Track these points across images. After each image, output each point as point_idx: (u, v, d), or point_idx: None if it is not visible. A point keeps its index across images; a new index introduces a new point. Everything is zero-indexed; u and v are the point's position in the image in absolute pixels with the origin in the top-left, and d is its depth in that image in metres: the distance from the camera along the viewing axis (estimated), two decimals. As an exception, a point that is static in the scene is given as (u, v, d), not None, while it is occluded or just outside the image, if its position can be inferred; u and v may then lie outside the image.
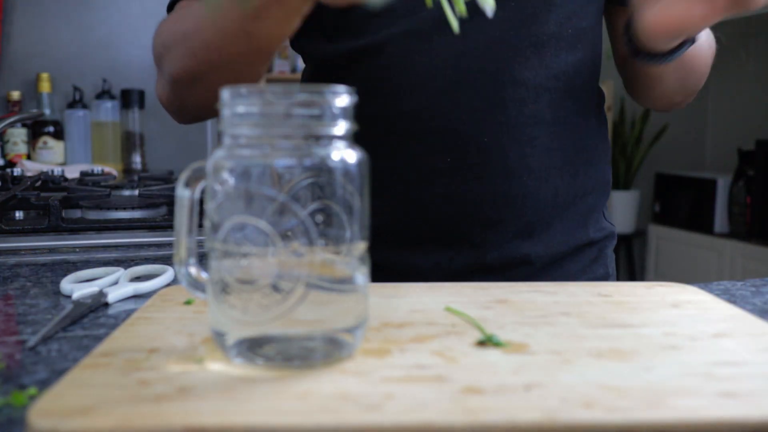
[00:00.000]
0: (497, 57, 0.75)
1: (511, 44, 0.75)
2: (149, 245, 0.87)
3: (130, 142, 1.89)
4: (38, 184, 1.23)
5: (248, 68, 0.69)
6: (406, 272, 0.76)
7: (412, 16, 0.75)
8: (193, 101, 0.77)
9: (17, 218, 1.01)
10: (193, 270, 0.46)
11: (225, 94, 0.42)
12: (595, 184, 0.84)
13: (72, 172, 1.46)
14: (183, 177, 0.45)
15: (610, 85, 2.90)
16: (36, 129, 1.81)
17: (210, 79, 0.72)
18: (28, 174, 1.37)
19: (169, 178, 1.37)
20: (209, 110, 0.78)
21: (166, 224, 0.93)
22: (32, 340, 0.49)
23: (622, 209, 3.32)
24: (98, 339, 0.50)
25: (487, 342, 0.45)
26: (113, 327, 0.53)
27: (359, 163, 0.43)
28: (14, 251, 0.83)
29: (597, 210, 0.85)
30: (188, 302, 0.55)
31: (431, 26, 0.75)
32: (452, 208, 0.77)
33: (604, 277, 0.85)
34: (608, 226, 0.88)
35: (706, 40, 0.79)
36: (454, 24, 0.54)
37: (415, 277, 0.74)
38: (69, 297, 0.61)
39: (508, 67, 0.75)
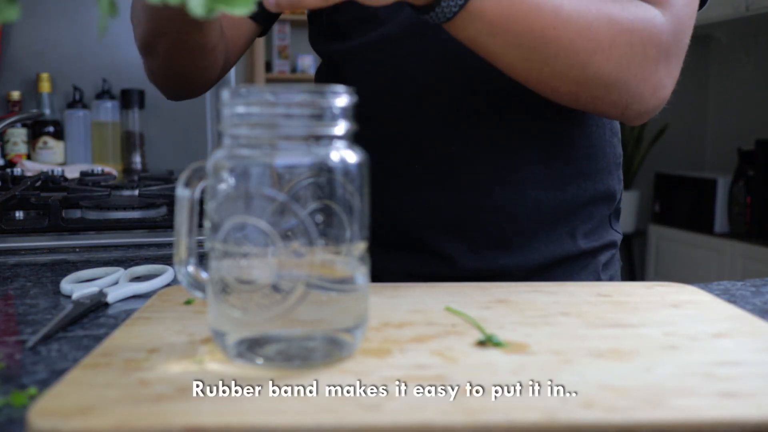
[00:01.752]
0: (470, 65, 0.69)
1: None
2: (149, 245, 0.87)
3: (130, 142, 1.89)
4: (38, 184, 1.23)
5: (185, 36, 0.72)
6: (380, 277, 0.70)
7: (390, 21, 0.74)
8: (156, 71, 0.81)
9: (17, 218, 1.01)
10: (193, 270, 0.46)
11: (225, 94, 0.42)
12: (594, 196, 0.78)
13: (72, 172, 1.46)
14: (183, 177, 0.45)
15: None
16: (36, 129, 1.81)
17: (158, 48, 0.77)
18: (28, 174, 1.37)
19: (169, 178, 1.37)
20: (176, 81, 0.81)
21: (166, 224, 0.93)
22: (32, 340, 0.49)
23: (622, 209, 3.32)
24: (98, 339, 0.50)
25: (487, 342, 0.45)
26: (113, 327, 0.53)
27: (359, 163, 0.43)
28: (14, 251, 0.83)
29: (595, 221, 0.80)
30: (188, 302, 0.55)
31: (403, 31, 0.73)
32: (419, 217, 0.75)
33: None
34: (610, 234, 0.82)
35: (574, 8, 0.61)
36: None
37: (388, 281, 0.72)
38: (69, 297, 0.61)
39: (482, 75, 0.70)
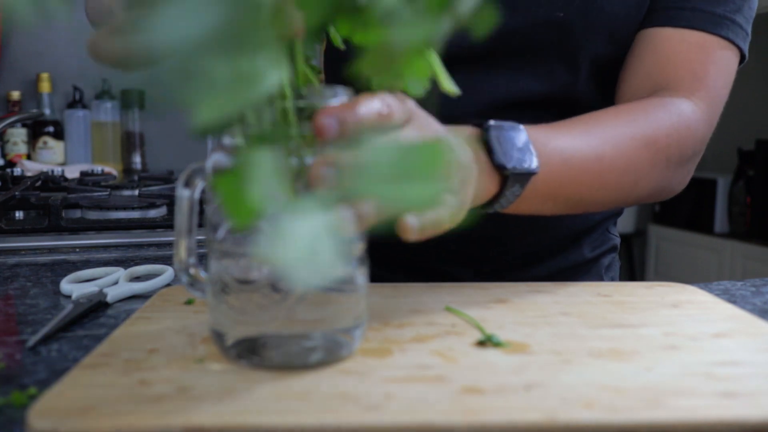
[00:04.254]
0: (494, 106, 0.70)
1: (516, 106, 0.70)
2: (149, 245, 0.87)
3: (130, 142, 1.89)
4: (38, 184, 1.23)
5: None
6: None
7: None
8: None
9: (17, 218, 1.01)
10: (192, 270, 0.46)
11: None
12: (603, 216, 0.79)
13: (72, 172, 1.46)
14: (183, 177, 0.45)
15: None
16: (36, 129, 1.81)
17: None
18: (28, 174, 1.37)
19: (169, 178, 1.37)
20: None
21: (166, 224, 0.93)
22: (32, 340, 0.49)
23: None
24: (98, 339, 0.50)
25: (487, 342, 0.45)
26: (113, 327, 0.53)
27: (359, 163, 0.42)
28: (14, 251, 0.83)
29: (599, 231, 0.81)
30: (188, 302, 0.55)
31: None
32: (426, 247, 0.73)
33: None
34: (611, 239, 0.83)
35: (614, 147, 0.60)
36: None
37: None
38: (69, 297, 0.61)
39: (500, 113, 0.67)
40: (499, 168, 0.52)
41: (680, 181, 0.67)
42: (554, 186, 0.57)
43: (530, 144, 0.54)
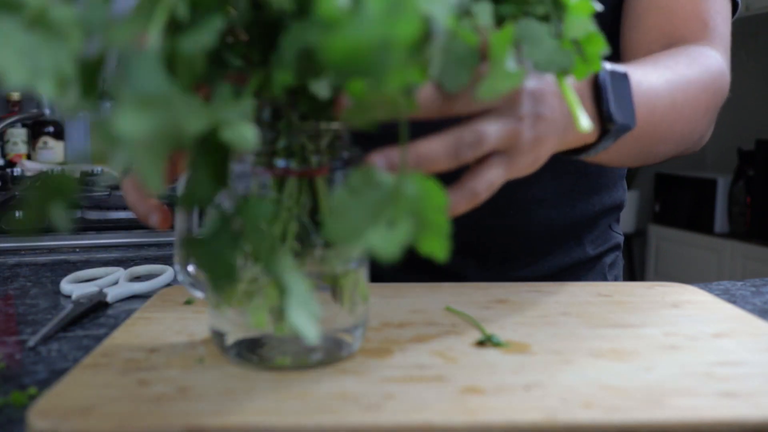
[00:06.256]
0: None
1: None
2: (149, 245, 0.87)
3: (130, 142, 1.89)
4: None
5: None
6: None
7: None
8: None
9: (17, 218, 1.01)
10: (193, 270, 0.46)
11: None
12: (602, 208, 0.79)
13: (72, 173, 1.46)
14: (183, 177, 0.45)
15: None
16: (36, 129, 1.81)
17: None
18: (29, 174, 1.37)
19: (169, 178, 1.37)
20: None
21: (166, 224, 0.93)
22: (32, 340, 0.49)
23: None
24: (98, 339, 0.50)
25: (487, 342, 0.45)
26: (113, 327, 0.53)
27: (358, 162, 0.42)
28: (14, 251, 0.83)
29: (601, 228, 0.81)
30: (188, 302, 0.55)
31: None
32: None
33: None
34: (614, 237, 0.83)
35: (683, 91, 0.58)
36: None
37: None
38: (69, 297, 0.61)
39: None
40: (607, 120, 0.47)
41: (710, 132, 0.66)
42: (632, 140, 0.52)
43: (632, 95, 0.49)
